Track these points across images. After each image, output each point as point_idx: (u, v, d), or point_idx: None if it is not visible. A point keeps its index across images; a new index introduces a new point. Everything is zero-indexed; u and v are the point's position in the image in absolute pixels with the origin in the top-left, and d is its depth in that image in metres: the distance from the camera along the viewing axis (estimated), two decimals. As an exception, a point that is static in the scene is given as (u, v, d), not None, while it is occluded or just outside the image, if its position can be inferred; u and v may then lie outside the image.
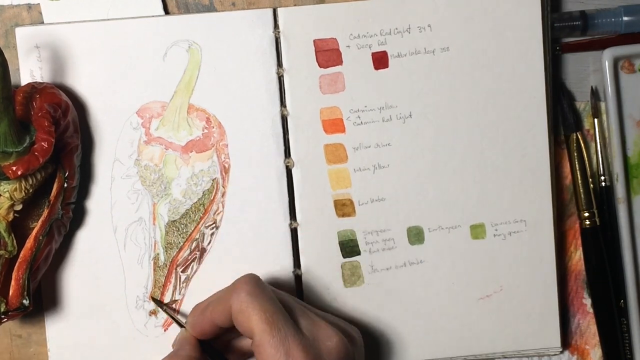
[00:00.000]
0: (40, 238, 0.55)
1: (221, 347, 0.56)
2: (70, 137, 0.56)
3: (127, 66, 0.58)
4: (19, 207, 0.54)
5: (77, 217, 0.59)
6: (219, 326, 0.53)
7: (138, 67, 0.58)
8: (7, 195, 0.53)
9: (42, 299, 0.59)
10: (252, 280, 0.52)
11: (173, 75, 0.59)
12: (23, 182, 0.53)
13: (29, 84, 0.55)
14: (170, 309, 0.59)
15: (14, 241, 0.54)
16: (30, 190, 0.54)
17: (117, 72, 0.58)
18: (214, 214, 0.59)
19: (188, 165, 0.59)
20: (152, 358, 0.59)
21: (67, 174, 0.56)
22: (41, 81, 0.57)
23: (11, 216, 0.54)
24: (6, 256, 0.54)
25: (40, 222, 0.55)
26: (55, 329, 0.59)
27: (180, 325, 0.57)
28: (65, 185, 0.56)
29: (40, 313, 0.59)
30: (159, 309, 0.59)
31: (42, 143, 0.53)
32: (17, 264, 0.54)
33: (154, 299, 0.59)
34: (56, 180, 0.55)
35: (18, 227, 0.55)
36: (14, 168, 0.52)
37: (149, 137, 0.59)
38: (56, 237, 0.56)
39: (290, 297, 0.54)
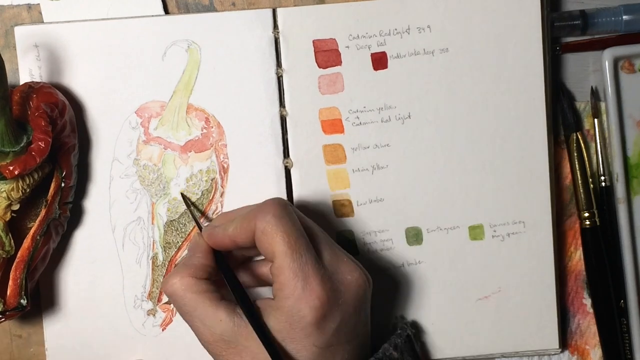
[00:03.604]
0: (38, 238, 0.55)
1: (233, 262, 0.56)
2: (67, 136, 0.56)
3: (126, 66, 0.58)
4: (16, 207, 0.54)
5: (76, 216, 0.59)
6: (237, 244, 0.53)
7: (137, 66, 0.58)
8: (4, 194, 0.53)
9: (40, 298, 0.59)
10: (280, 203, 0.52)
11: (172, 74, 0.59)
12: (20, 181, 0.53)
13: (25, 83, 0.55)
14: (196, 209, 0.59)
15: (12, 241, 0.54)
16: (28, 190, 0.54)
17: (116, 72, 0.58)
18: (212, 214, 0.59)
19: (187, 165, 0.59)
20: (150, 357, 0.59)
21: (64, 173, 0.56)
22: (40, 80, 0.58)
23: (8, 216, 0.54)
24: (4, 256, 0.54)
25: (37, 221, 0.55)
26: (53, 328, 0.59)
27: (200, 227, 0.56)
28: (63, 184, 0.56)
29: (39, 313, 0.59)
30: (187, 204, 0.58)
31: (39, 142, 0.53)
32: (14, 263, 0.54)
33: (182, 195, 0.59)
34: (53, 179, 0.55)
35: (15, 226, 0.56)
36: (11, 168, 0.52)
37: (148, 136, 0.59)
38: (54, 236, 0.56)
39: (317, 227, 0.54)
